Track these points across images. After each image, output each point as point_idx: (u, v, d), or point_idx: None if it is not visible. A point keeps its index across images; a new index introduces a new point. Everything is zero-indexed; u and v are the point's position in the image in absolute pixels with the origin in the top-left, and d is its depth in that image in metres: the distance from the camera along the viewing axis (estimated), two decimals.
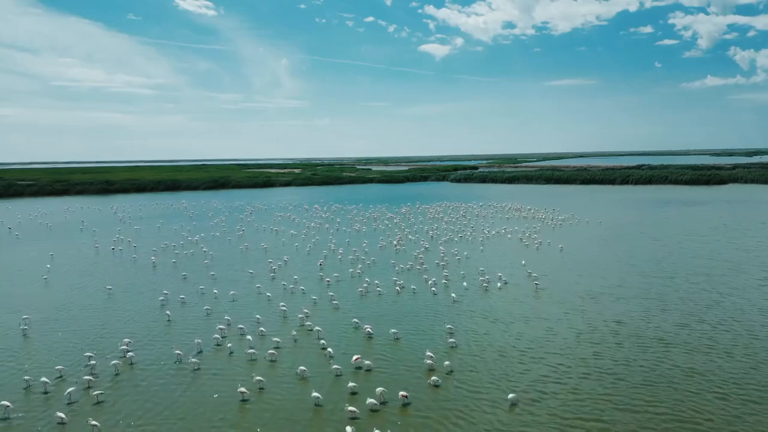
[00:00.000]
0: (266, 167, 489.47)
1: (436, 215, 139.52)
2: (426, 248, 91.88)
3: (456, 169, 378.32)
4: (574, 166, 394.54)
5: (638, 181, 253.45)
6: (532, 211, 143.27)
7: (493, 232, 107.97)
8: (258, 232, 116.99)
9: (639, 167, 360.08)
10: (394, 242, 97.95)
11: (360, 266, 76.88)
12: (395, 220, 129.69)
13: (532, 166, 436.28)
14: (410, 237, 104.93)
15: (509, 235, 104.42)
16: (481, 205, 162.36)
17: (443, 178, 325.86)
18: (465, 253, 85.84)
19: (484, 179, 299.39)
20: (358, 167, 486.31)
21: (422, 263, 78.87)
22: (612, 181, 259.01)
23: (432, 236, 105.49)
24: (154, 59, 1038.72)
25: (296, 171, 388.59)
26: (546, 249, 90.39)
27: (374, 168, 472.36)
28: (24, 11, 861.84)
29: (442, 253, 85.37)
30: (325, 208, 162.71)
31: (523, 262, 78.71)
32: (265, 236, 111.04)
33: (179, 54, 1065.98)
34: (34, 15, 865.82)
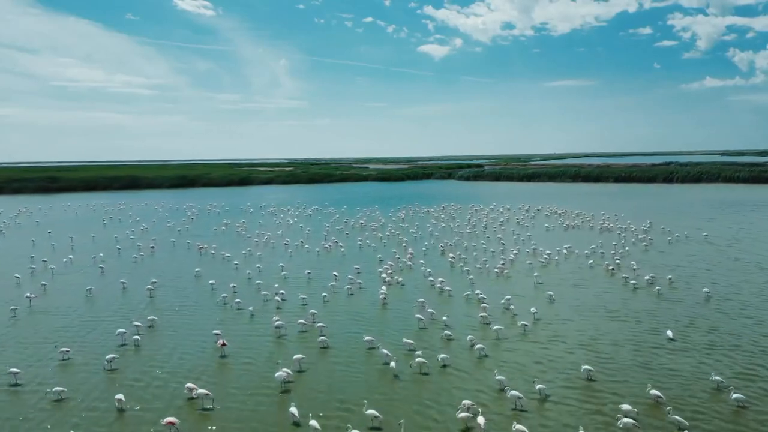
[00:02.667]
0: (258, 166, 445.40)
1: (448, 222, 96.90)
2: (447, 293, 49.16)
3: (461, 167, 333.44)
4: (593, 165, 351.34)
5: (684, 179, 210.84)
6: (585, 218, 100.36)
7: (552, 254, 65.05)
8: (173, 252, 74.35)
9: (667, 164, 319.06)
10: (384, 275, 55.25)
11: (301, 358, 32.77)
12: (388, 231, 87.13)
13: (541, 165, 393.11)
14: (411, 263, 62.40)
15: (590, 261, 61.43)
16: (509, 208, 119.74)
17: (448, 176, 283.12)
18: (532, 309, 42.05)
19: (497, 177, 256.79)
20: (355, 166, 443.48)
21: (446, 339, 36.36)
22: (652, 179, 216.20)
23: (451, 262, 62.68)
24: (153, 59, 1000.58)
25: (287, 169, 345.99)
26: (679, 295, 47.47)
27: (372, 167, 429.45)
28: (23, 11, 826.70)
29: (484, 312, 42.07)
30: (297, 212, 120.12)
31: (670, 334, 35.98)
32: (181, 260, 68.47)
33: (178, 54, 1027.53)
34: (33, 15, 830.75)
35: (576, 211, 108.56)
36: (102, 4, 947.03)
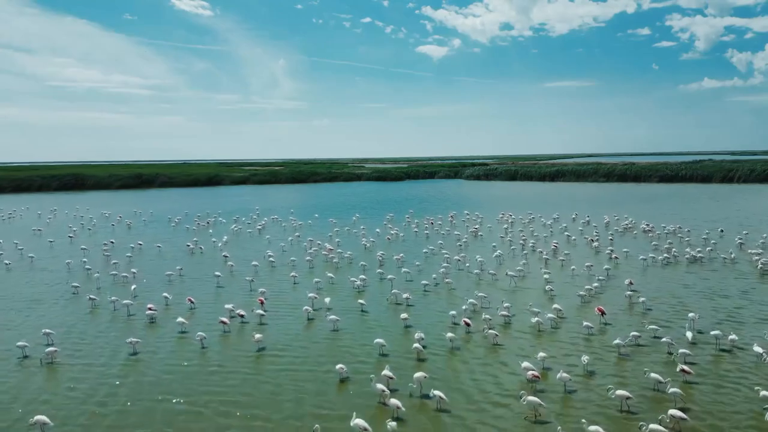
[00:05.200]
0: (248, 165, 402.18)
1: (471, 248, 57.52)
2: None
3: (464, 165, 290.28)
4: (619, 163, 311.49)
5: (747, 179, 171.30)
6: (695, 241, 60.89)
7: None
8: None
9: (699, 162, 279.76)
10: None
11: None
12: (361, 272, 47.67)
13: (551, 164, 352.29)
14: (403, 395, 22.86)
15: None
16: (556, 218, 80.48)
17: (455, 175, 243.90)
18: None
19: (512, 176, 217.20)
20: (350, 165, 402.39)
21: None
22: (707, 179, 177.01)
23: (532, 408, 22.84)
24: (151, 59, 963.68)
25: (276, 168, 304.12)
26: None
27: (368, 166, 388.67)
28: (20, 11, 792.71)
29: None
30: (242, 226, 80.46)
31: None
32: None
33: (176, 54, 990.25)
34: (31, 15, 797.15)
35: (670, 227, 68.81)
36: (99, 3, 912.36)
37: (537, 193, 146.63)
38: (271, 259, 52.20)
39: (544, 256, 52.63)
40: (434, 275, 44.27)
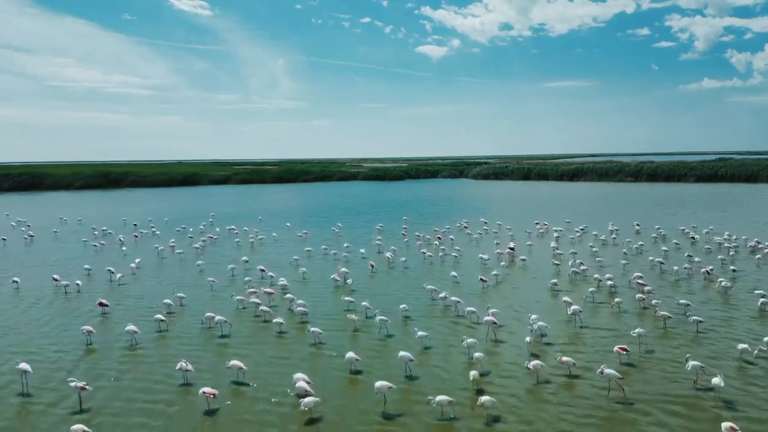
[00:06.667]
0: (247, 165, 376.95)
1: (489, 283, 35.14)
2: None
3: (467, 164, 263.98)
4: (631, 162, 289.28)
5: None
6: None
7: None
8: None
9: (719, 161, 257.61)
10: None
11: None
12: (316, 344, 24.72)
13: (571, 162, 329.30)
14: None
15: None
16: (615, 230, 57.65)
17: (460, 174, 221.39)
18: None
19: (526, 175, 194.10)
20: (347, 164, 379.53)
21: None
22: (750, 178, 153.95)
23: None
24: (150, 60, 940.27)
25: (268, 167, 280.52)
26: None
27: (366, 165, 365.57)
28: (19, 11, 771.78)
29: None
30: (173, 246, 57.93)
31: None
32: None
33: (175, 54, 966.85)
34: (30, 15, 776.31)
35: None
36: (99, 3, 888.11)
37: (557, 194, 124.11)
38: (171, 311, 29.46)
39: (658, 312, 29.64)
40: (472, 375, 21.38)
